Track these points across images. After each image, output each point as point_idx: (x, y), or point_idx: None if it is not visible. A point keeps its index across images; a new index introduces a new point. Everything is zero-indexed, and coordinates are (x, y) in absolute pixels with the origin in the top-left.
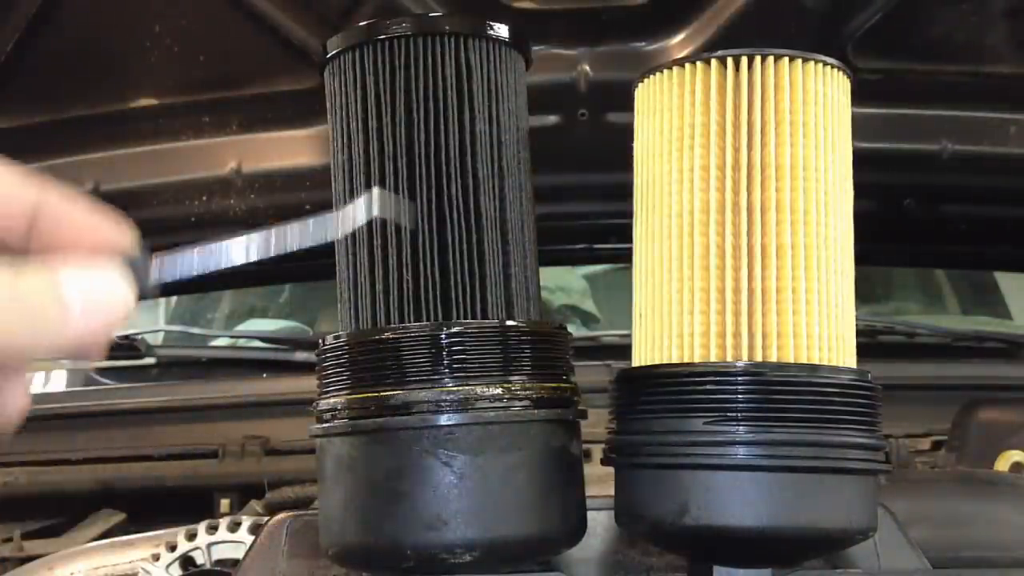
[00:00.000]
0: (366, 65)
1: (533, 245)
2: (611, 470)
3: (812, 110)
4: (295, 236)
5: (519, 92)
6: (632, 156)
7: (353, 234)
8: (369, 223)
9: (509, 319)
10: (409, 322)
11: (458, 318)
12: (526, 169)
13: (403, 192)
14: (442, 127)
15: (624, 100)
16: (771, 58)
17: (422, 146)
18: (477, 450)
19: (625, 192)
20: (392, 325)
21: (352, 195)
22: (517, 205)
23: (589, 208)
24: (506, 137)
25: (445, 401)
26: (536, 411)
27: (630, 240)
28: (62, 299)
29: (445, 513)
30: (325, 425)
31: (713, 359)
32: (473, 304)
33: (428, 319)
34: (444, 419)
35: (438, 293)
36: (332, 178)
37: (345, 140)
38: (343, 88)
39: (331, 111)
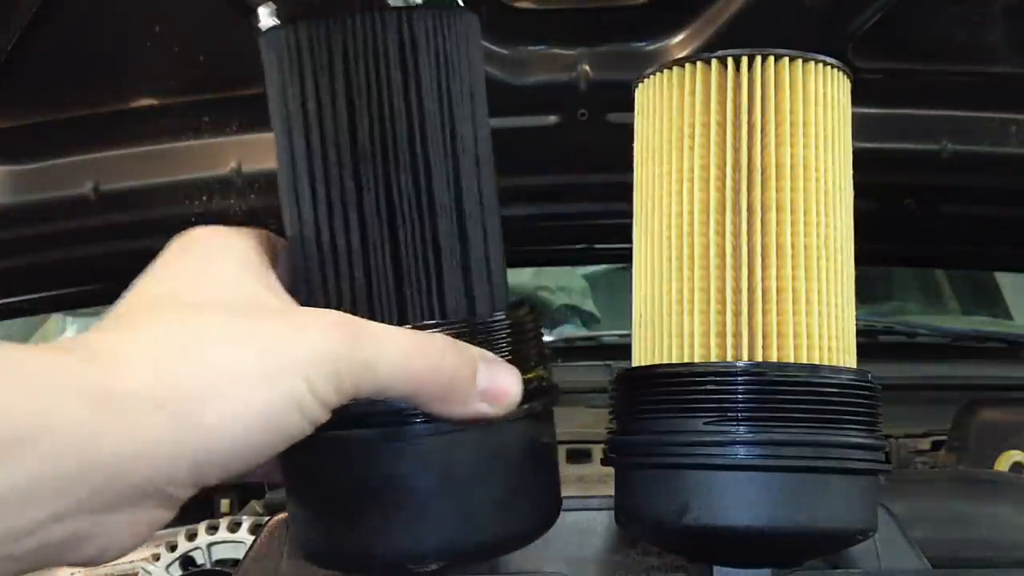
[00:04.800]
0: (300, 42)
1: (495, 222)
2: (611, 470)
3: (812, 110)
4: None
5: (472, 59)
6: (632, 156)
7: (302, 230)
8: (315, 221)
9: (470, 313)
10: None
11: (414, 317)
12: (483, 139)
13: (350, 185)
14: (387, 111)
15: (624, 100)
16: (771, 58)
17: (366, 133)
18: (441, 455)
19: (625, 192)
20: None
21: (296, 190)
22: (473, 186)
23: (589, 208)
24: (460, 111)
25: (405, 406)
26: None
27: (630, 240)
28: (474, 376)
29: (409, 521)
30: None
31: (713, 359)
32: (430, 302)
33: (383, 319)
34: (405, 424)
35: (391, 291)
36: (277, 171)
37: (284, 126)
38: (279, 65)
39: (269, 91)
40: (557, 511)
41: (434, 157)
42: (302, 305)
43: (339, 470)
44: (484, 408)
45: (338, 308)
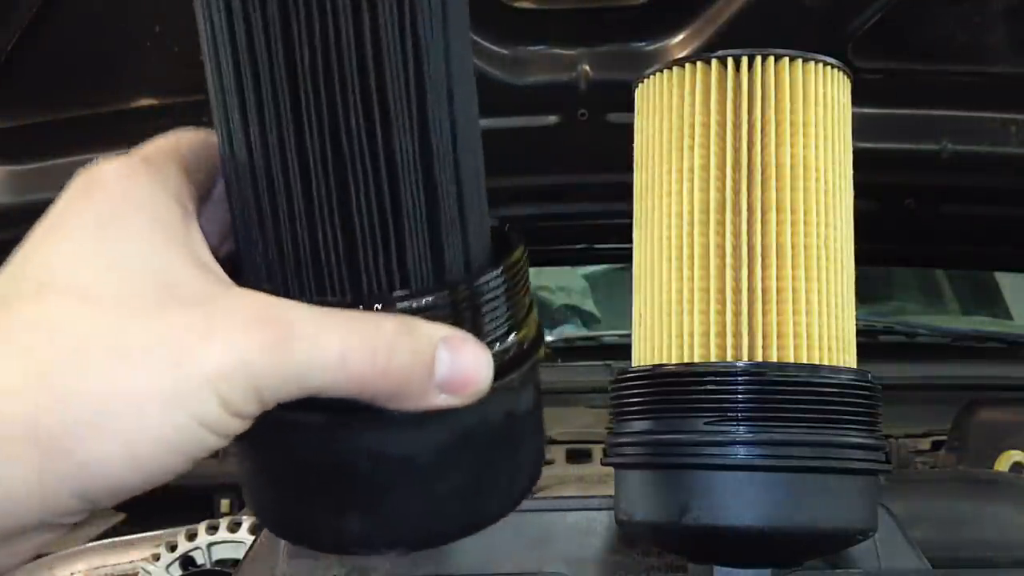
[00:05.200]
0: None
1: (471, 163)
2: (611, 470)
3: (812, 110)
4: None
5: None
6: (632, 156)
7: (236, 177)
8: (251, 167)
9: (437, 281)
10: (311, 296)
11: (369, 286)
12: (456, 61)
13: (287, 129)
14: (331, 34)
15: (624, 100)
16: (771, 58)
17: (306, 62)
18: (394, 444)
19: (625, 192)
20: (291, 299)
21: (227, 127)
22: (444, 122)
23: (589, 208)
24: (426, 25)
25: None
26: None
27: (630, 240)
28: (431, 366)
29: (359, 511)
30: None
31: (713, 359)
32: (388, 268)
33: (332, 289)
34: (354, 411)
35: (341, 255)
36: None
37: (212, 50)
38: None
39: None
40: (536, 477)
41: (392, 87)
42: (238, 268)
43: (282, 452)
44: (444, 400)
45: (281, 275)
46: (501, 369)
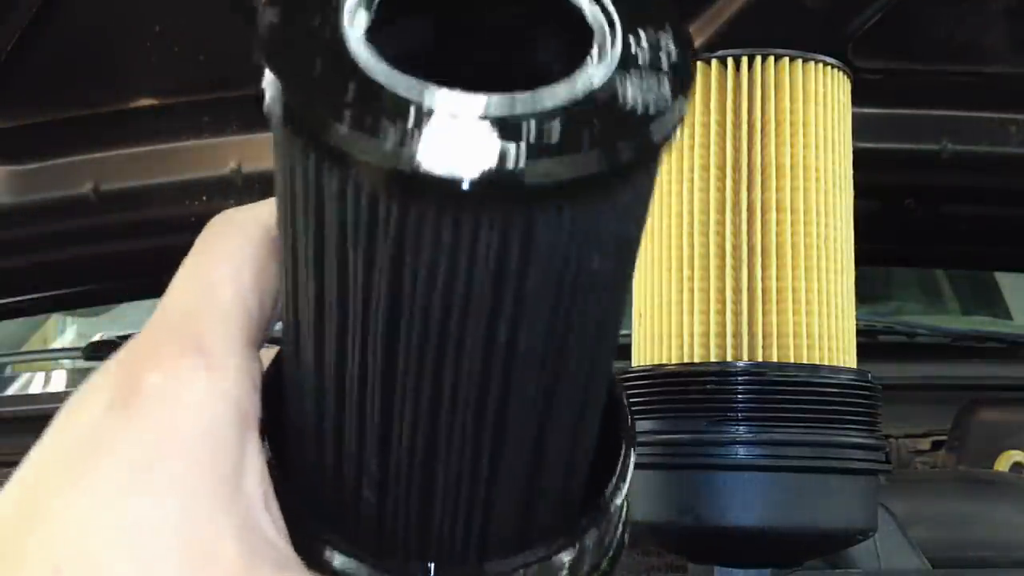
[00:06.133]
0: (326, 179)
1: (593, 419)
2: None
3: (812, 110)
4: None
5: (635, 226)
6: None
7: (303, 423)
8: (319, 424)
9: (522, 544)
10: (368, 554)
11: (440, 556)
12: (603, 357)
13: (374, 410)
14: (455, 320)
15: None
16: (771, 58)
17: (412, 346)
18: None
19: None
20: (346, 551)
21: (298, 355)
22: (572, 423)
23: None
24: (590, 324)
25: None
26: None
27: None
28: None
29: None
30: None
31: (713, 359)
32: (466, 544)
33: (392, 556)
34: None
35: (412, 530)
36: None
37: (289, 281)
38: (290, 189)
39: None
40: None
41: (517, 406)
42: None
43: None
44: None
45: (333, 519)
46: None
